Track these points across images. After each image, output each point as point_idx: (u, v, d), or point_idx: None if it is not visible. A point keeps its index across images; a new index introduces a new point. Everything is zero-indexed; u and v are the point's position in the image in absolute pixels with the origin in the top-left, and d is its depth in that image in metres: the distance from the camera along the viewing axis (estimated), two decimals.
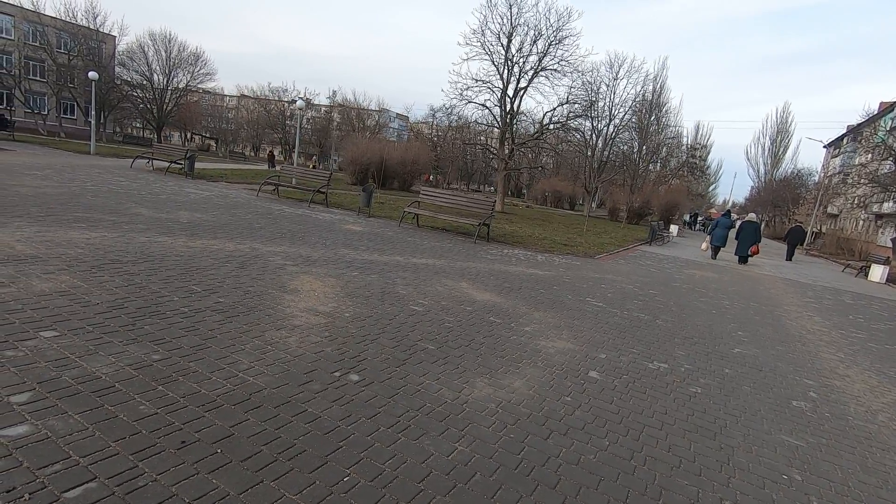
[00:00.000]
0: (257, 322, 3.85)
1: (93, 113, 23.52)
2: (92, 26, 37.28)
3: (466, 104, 23.27)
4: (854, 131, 38.16)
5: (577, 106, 24.55)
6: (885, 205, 29.36)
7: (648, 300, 7.25)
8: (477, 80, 22.51)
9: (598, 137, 32.20)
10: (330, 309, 4.47)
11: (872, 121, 31.82)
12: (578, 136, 30.03)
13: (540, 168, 40.56)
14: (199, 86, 48.29)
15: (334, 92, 58.71)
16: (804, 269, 17.11)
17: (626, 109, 31.42)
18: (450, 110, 25.09)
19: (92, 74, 22.39)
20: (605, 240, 16.11)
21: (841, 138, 46.47)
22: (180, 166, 16.19)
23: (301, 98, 26.10)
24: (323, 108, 60.91)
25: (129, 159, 18.38)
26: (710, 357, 4.84)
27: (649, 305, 6.87)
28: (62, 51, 36.72)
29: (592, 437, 2.88)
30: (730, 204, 71.79)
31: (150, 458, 2.07)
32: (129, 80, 42.43)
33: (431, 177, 43.99)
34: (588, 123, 29.98)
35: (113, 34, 40.12)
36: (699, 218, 42.32)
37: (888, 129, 25.91)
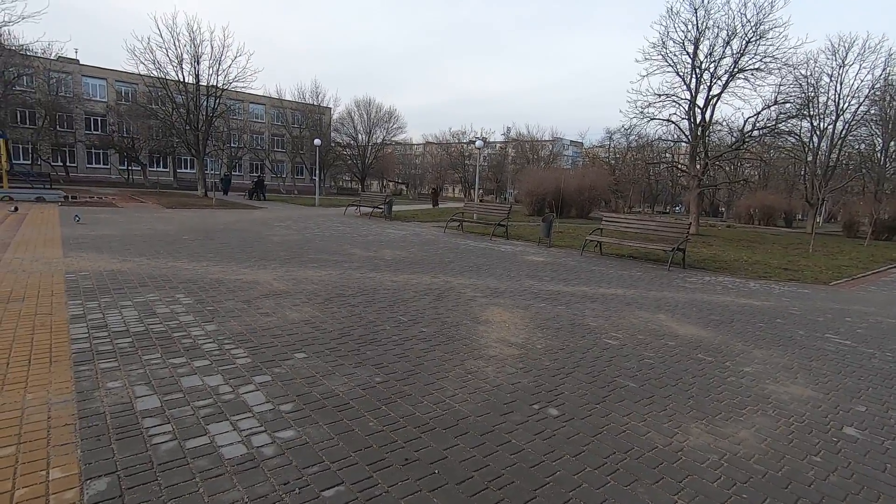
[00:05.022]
0: (456, 351, 4.12)
1: (317, 172, 28.80)
2: (315, 103, 46.14)
3: (648, 122, 21.78)
4: None
5: (788, 105, 20.93)
6: None
7: None
8: (659, 95, 20.96)
9: (820, 138, 26.80)
10: (521, 340, 4.53)
11: None
12: (793, 140, 25.47)
13: (742, 182, 35.32)
14: (393, 139, 55.46)
15: (508, 128, 61.14)
16: None
17: (861, 100, 25.57)
18: (629, 130, 23.81)
19: (316, 142, 27.58)
20: (843, 262, 13.07)
21: None
22: (381, 210, 18.62)
23: (479, 138, 27.82)
24: (498, 145, 63.79)
25: (342, 207, 21.87)
26: None
27: None
28: (295, 126, 46.12)
29: None
30: None
31: (382, 471, 2.35)
32: (340, 142, 51.08)
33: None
34: (805, 124, 25.28)
35: (329, 107, 48.93)
36: None
37: None
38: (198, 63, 26.30)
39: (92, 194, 23.20)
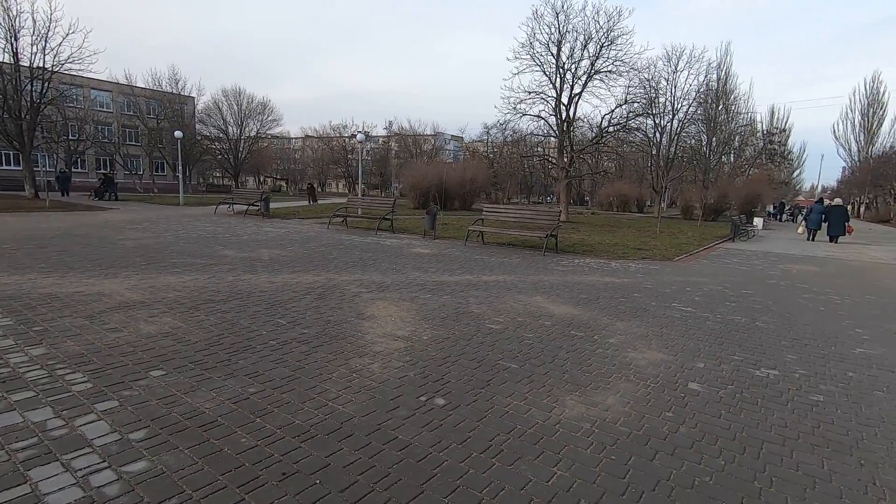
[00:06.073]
0: (340, 350, 3.94)
1: (179, 168, 25.92)
2: (175, 91, 41.41)
3: (521, 117, 23.14)
4: None
5: (636, 105, 23.66)
6: None
7: (742, 301, 6.67)
8: (530, 93, 22.37)
9: (662, 134, 30.75)
10: (408, 333, 4.49)
11: None
12: (641, 136, 28.84)
13: (602, 173, 39.30)
14: (268, 132, 52.04)
15: (390, 122, 60.88)
16: None
17: (690, 102, 29.86)
18: (504, 125, 25.08)
19: (177, 134, 24.79)
20: (682, 240, 15.18)
21: None
22: (257, 208, 17.35)
23: (361, 132, 27.24)
24: (381, 139, 63.27)
25: (213, 206, 19.97)
26: (827, 360, 4.32)
27: (745, 307, 6.31)
28: (151, 116, 40.97)
29: (704, 455, 2.62)
30: (819, 188, 65.87)
31: (256, 491, 2.13)
32: (207, 134, 46.60)
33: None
34: (650, 121, 28.72)
35: (192, 95, 44.17)
36: (786, 207, 39.04)
37: None
38: (16, 39, 21.99)
39: None
